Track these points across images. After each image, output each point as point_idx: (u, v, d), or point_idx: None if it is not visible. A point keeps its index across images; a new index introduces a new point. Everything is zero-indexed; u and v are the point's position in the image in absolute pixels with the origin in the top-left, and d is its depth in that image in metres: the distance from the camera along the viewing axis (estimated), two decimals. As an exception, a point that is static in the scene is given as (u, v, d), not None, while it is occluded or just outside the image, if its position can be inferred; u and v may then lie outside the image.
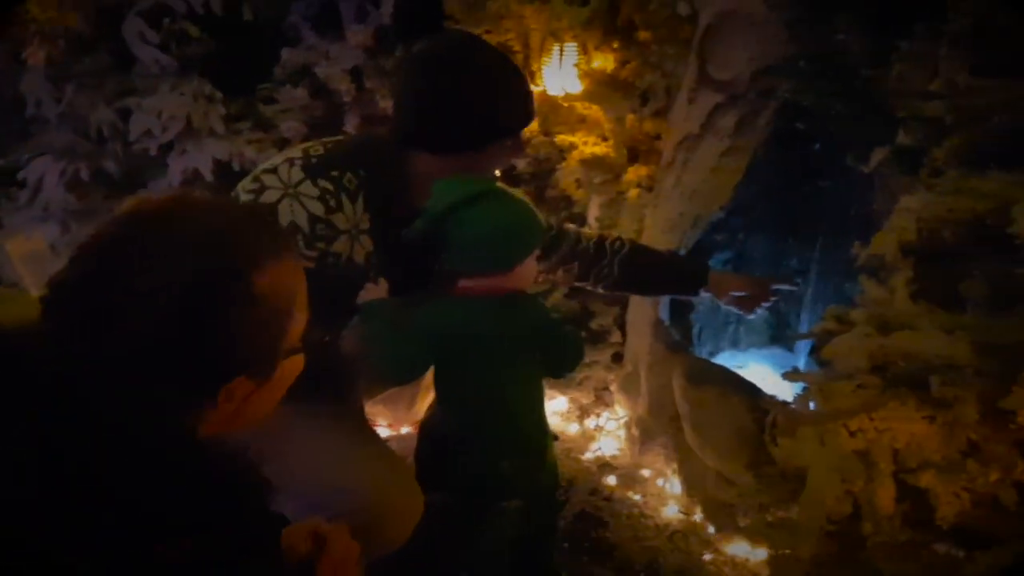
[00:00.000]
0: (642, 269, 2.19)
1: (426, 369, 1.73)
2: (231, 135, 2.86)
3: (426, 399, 2.46)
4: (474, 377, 1.68)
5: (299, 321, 1.09)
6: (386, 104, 2.92)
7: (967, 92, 1.62)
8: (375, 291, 1.68)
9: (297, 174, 1.65)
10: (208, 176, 2.81)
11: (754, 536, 2.12)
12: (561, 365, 1.78)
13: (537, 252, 1.70)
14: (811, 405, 1.71)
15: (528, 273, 1.70)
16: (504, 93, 1.73)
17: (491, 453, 1.71)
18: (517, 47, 2.91)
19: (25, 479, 0.82)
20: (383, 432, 2.51)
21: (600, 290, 2.22)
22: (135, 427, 0.89)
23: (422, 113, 1.71)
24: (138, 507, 0.85)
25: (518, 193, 1.70)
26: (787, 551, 1.68)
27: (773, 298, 2.24)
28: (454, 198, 1.58)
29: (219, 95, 2.87)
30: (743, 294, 2.22)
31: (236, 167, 2.86)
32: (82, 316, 0.92)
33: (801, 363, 2.52)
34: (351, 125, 2.98)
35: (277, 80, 3.03)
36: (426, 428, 2.19)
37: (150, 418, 0.90)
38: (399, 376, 1.78)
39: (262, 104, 3.02)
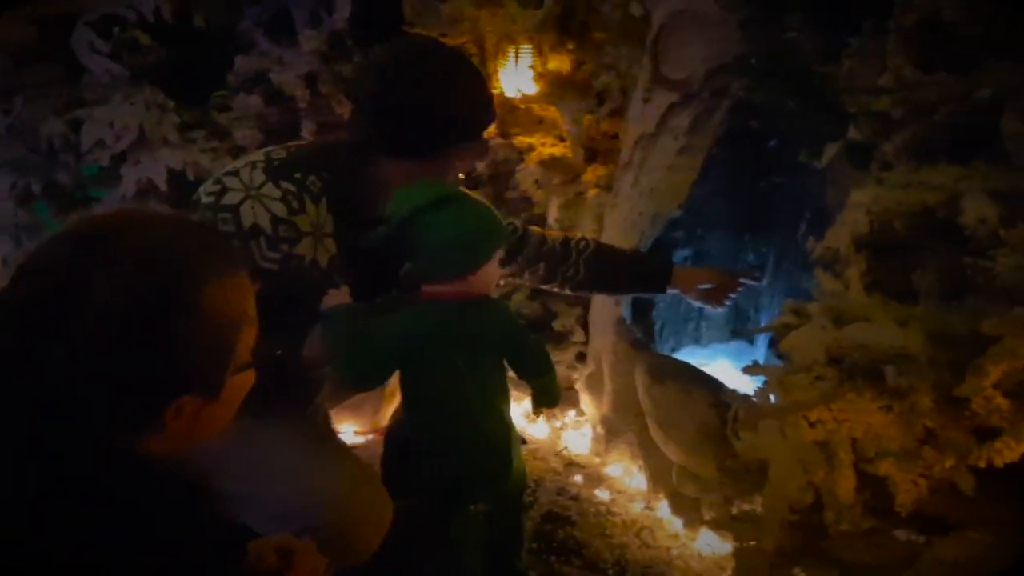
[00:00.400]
0: (608, 268, 2.19)
1: (390, 375, 1.73)
2: (185, 144, 2.82)
3: (391, 405, 2.46)
4: (439, 381, 1.67)
5: (248, 336, 1.07)
6: (342, 110, 2.91)
7: (914, 86, 1.65)
8: (337, 296, 1.67)
9: (259, 176, 1.64)
10: (163, 186, 2.77)
11: (719, 529, 2.14)
12: (525, 370, 1.78)
13: (499, 255, 1.70)
14: (771, 398, 1.73)
15: (491, 276, 1.70)
16: (465, 96, 1.72)
17: (457, 457, 1.71)
18: (473, 50, 2.92)
19: None
20: (349, 439, 2.50)
21: (567, 291, 2.23)
22: (77, 449, 0.89)
23: (382, 119, 1.70)
24: (84, 531, 0.84)
25: (477, 196, 1.70)
26: (752, 543, 1.69)
27: (739, 289, 2.25)
28: (415, 203, 1.58)
29: (172, 104, 2.83)
30: (709, 287, 2.23)
31: (191, 176, 2.82)
32: (23, 337, 0.91)
33: (761, 357, 2.55)
34: (307, 131, 2.96)
35: (231, 87, 2.99)
36: (392, 434, 2.19)
37: (93, 440, 0.90)
38: (362, 382, 1.78)
39: (216, 112, 2.98)
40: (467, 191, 1.69)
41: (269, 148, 1.77)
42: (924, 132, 1.65)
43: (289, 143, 1.81)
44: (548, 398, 1.81)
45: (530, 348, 1.77)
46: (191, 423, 1.01)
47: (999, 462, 1.33)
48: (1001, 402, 1.32)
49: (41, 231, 2.98)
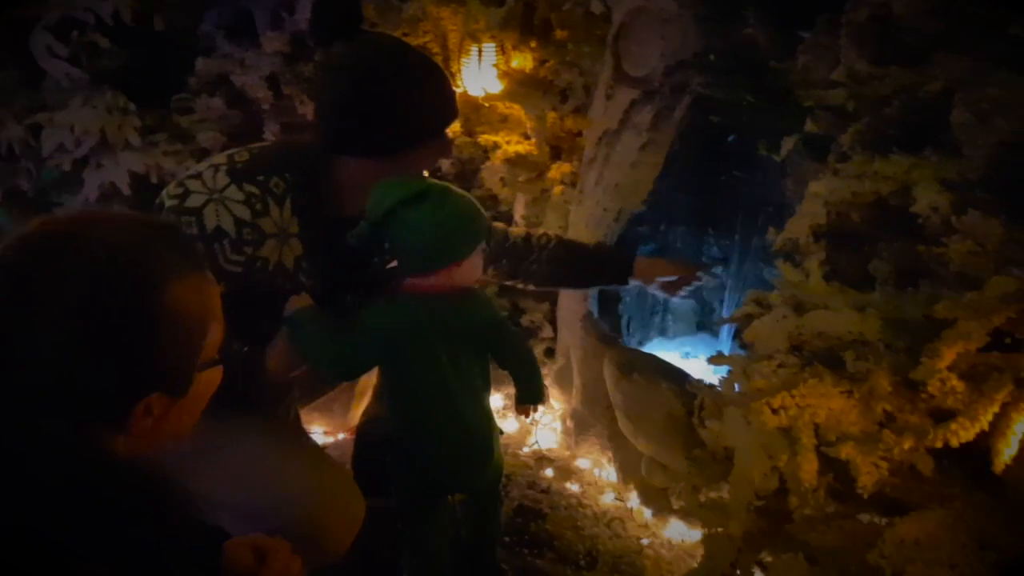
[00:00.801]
0: (570, 262, 2.21)
1: (372, 366, 1.75)
2: (147, 147, 2.79)
3: (360, 405, 2.48)
4: (421, 372, 1.68)
5: (214, 333, 1.08)
6: (305, 110, 2.90)
7: (867, 80, 1.69)
8: (299, 301, 1.67)
9: (223, 179, 1.64)
10: (125, 190, 2.75)
11: (688, 517, 2.18)
12: (507, 360, 1.80)
13: (482, 247, 1.71)
14: (736, 387, 1.77)
15: (474, 269, 1.71)
16: (427, 94, 1.73)
17: (439, 446, 1.73)
18: (436, 49, 2.93)
19: None
20: (319, 439, 2.50)
21: (531, 286, 2.25)
22: (45, 449, 0.89)
23: (345, 118, 1.70)
24: (57, 533, 0.84)
25: (458, 189, 1.71)
26: (719, 529, 1.72)
27: (698, 281, 2.28)
28: (393, 200, 1.58)
29: (133, 107, 2.81)
30: (670, 279, 2.26)
31: (154, 180, 2.80)
32: None
33: (726, 348, 2.59)
34: (270, 132, 2.95)
35: (192, 90, 2.97)
36: (364, 432, 2.21)
37: (61, 440, 0.90)
38: (343, 375, 1.83)
39: (177, 115, 2.96)
40: (445, 184, 1.69)
41: (232, 150, 1.76)
42: (877, 124, 1.69)
43: (252, 144, 1.81)
44: (532, 393, 1.83)
45: (512, 339, 1.80)
46: (159, 422, 1.02)
47: (955, 443, 1.34)
48: (956, 384, 1.34)
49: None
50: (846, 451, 1.45)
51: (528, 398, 1.83)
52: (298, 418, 2.05)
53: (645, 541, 2.24)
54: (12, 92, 2.80)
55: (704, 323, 2.81)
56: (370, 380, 2.37)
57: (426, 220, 1.59)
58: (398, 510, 1.83)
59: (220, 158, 1.73)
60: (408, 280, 1.68)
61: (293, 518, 1.59)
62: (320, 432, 2.56)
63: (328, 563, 1.69)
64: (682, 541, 2.22)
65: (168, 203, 1.62)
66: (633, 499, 2.37)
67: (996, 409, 1.32)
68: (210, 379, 1.10)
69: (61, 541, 0.83)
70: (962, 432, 1.35)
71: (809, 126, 1.92)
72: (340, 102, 1.70)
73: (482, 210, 1.72)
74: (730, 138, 2.45)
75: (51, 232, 0.98)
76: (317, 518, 1.66)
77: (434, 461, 1.74)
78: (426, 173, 1.90)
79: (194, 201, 1.60)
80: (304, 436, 1.98)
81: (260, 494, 1.65)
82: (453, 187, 1.68)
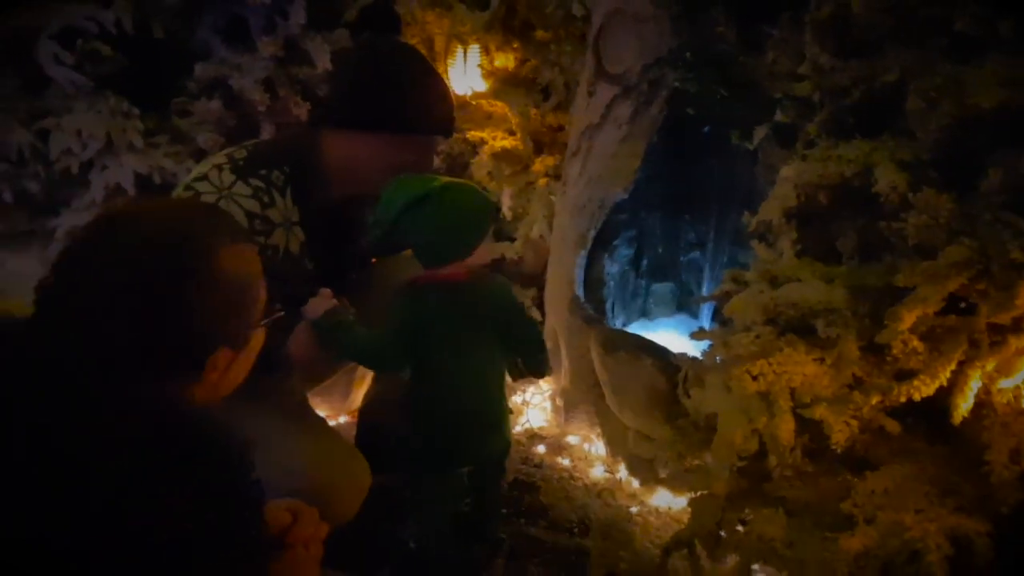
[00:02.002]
0: None
1: (404, 355, 1.83)
2: (150, 149, 2.89)
3: (360, 389, 2.58)
4: (443, 354, 1.79)
5: (262, 294, 1.23)
6: (299, 111, 3.00)
7: (830, 72, 1.82)
8: (319, 303, 1.78)
9: (228, 177, 1.74)
10: (131, 190, 2.84)
11: (674, 484, 2.29)
12: (520, 341, 1.90)
13: (490, 231, 1.83)
14: (717, 360, 1.89)
15: (484, 253, 1.82)
16: (418, 88, 1.85)
17: (455, 421, 1.84)
18: (423, 51, 3.04)
19: (41, 449, 0.92)
20: (321, 423, 2.59)
21: None
22: (137, 402, 1.01)
23: (337, 89, 1.83)
24: (143, 469, 0.95)
25: (461, 181, 1.79)
26: (704, 491, 1.83)
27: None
28: (402, 200, 1.68)
29: (136, 111, 2.91)
30: None
31: (157, 180, 2.90)
32: (73, 310, 1.04)
33: (706, 326, 2.72)
34: (267, 133, 3.04)
35: (191, 93, 3.07)
36: (365, 413, 2.32)
37: (151, 391, 1.03)
38: (379, 364, 1.93)
39: (177, 118, 3.06)
40: (453, 180, 1.77)
41: (229, 150, 1.86)
42: (839, 112, 1.82)
43: (246, 143, 1.91)
44: (534, 370, 1.95)
45: (525, 324, 1.91)
46: (223, 374, 1.16)
47: (917, 397, 1.47)
48: (917, 345, 1.47)
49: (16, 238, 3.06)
50: (820, 412, 1.57)
51: (530, 373, 1.95)
52: (305, 398, 2.15)
53: (634, 509, 2.36)
54: (18, 99, 2.89)
55: (683, 304, 2.94)
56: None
57: (434, 218, 1.69)
58: (409, 480, 1.94)
59: (219, 158, 1.82)
60: (425, 271, 1.79)
61: (302, 486, 1.66)
62: (322, 416, 2.65)
63: (335, 529, 1.79)
64: (668, 508, 2.34)
65: None
66: (621, 471, 2.48)
67: (953, 367, 1.45)
68: (259, 336, 1.25)
69: (146, 482, 0.94)
70: (923, 388, 1.47)
71: (778, 116, 2.05)
72: (351, 75, 1.84)
73: (486, 198, 1.82)
74: (705, 129, 2.57)
75: (116, 215, 1.12)
76: (325, 486, 1.74)
77: (450, 434, 1.85)
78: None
79: (207, 200, 1.69)
80: (311, 411, 2.08)
81: (271, 463, 1.75)
82: (459, 181, 1.78)
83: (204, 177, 1.75)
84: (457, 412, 1.84)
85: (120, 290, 1.04)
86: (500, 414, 1.90)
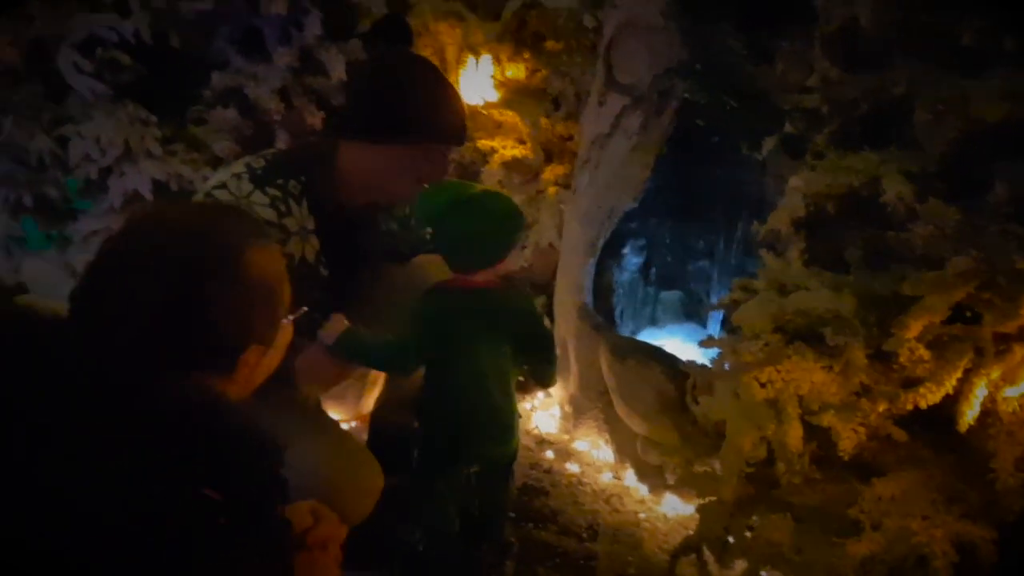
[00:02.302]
0: None
1: (427, 356, 1.86)
2: (167, 156, 2.94)
3: (373, 392, 2.60)
4: (459, 357, 1.82)
5: (288, 293, 1.26)
6: (314, 120, 3.04)
7: (838, 85, 1.85)
8: (334, 325, 1.82)
9: (247, 186, 1.78)
10: (148, 196, 2.89)
11: (682, 490, 2.31)
12: (532, 355, 1.92)
13: (520, 244, 1.85)
14: (725, 367, 1.91)
15: (510, 264, 1.84)
16: (440, 103, 1.87)
17: (466, 422, 1.87)
18: (435, 61, 3.08)
19: (82, 439, 0.96)
20: (334, 427, 2.62)
21: None
22: (173, 397, 1.04)
23: (351, 100, 1.87)
24: (179, 464, 0.98)
25: (496, 191, 1.84)
26: (712, 497, 1.85)
27: None
28: (436, 205, 1.73)
29: (153, 119, 2.95)
30: None
31: (174, 187, 2.95)
32: (111, 309, 1.08)
33: (714, 335, 2.74)
34: (281, 141, 3.08)
35: (207, 102, 3.12)
36: (377, 418, 2.34)
37: (182, 387, 1.06)
38: (404, 366, 1.93)
39: (194, 126, 3.11)
40: (487, 188, 1.81)
41: (247, 158, 1.90)
42: (848, 124, 1.86)
43: (264, 152, 1.95)
44: (541, 378, 1.99)
45: (540, 335, 1.92)
46: (253, 369, 1.20)
47: (923, 404, 1.50)
48: (923, 353, 1.49)
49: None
50: (827, 419, 1.60)
51: (536, 383, 1.97)
52: (319, 402, 2.18)
53: (642, 515, 2.37)
54: (39, 106, 2.94)
55: (692, 312, 2.96)
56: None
57: (463, 226, 1.74)
58: (416, 479, 1.97)
59: (238, 167, 1.85)
60: (453, 275, 1.82)
61: (318, 487, 1.69)
62: (335, 419, 2.67)
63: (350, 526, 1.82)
64: (676, 514, 2.36)
65: None
66: (630, 477, 2.50)
67: (959, 375, 1.47)
68: (286, 332, 1.28)
69: (180, 472, 0.97)
70: (929, 395, 1.50)
71: (787, 127, 2.08)
72: (366, 87, 1.88)
73: (517, 209, 1.84)
74: (714, 139, 2.60)
75: (152, 219, 1.17)
76: (339, 487, 1.76)
77: (456, 434, 1.87)
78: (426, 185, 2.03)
79: None
80: (325, 415, 2.12)
81: (288, 465, 1.78)
82: (492, 190, 1.82)
83: (223, 185, 1.78)
84: (464, 413, 1.87)
85: (155, 289, 1.07)
86: (508, 418, 1.92)
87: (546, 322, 1.95)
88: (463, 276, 1.81)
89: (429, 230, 1.78)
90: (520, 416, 2.00)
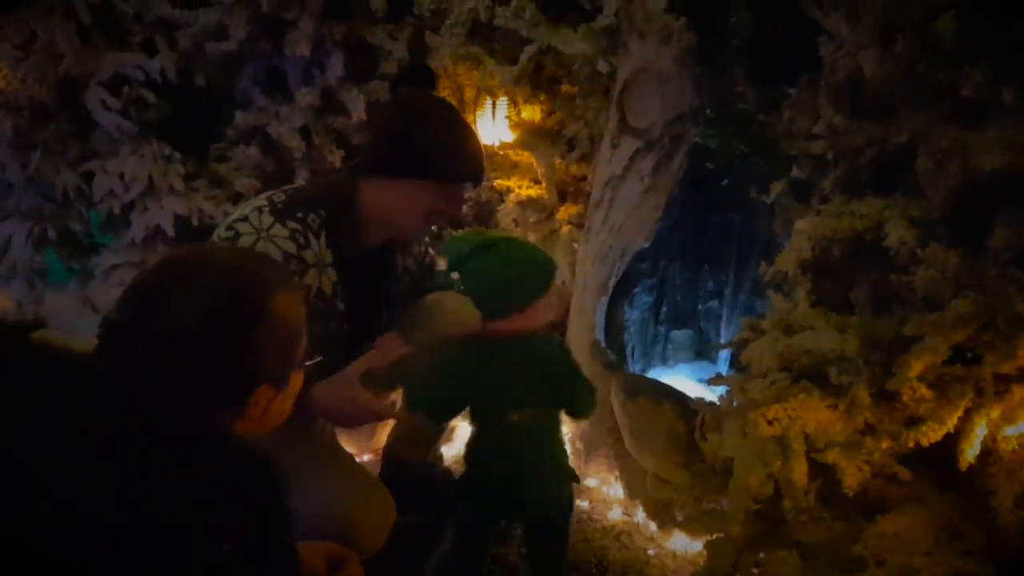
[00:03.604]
0: None
1: (461, 408, 1.90)
2: (189, 192, 3.02)
3: (386, 427, 2.64)
4: (491, 412, 1.86)
5: (304, 340, 1.30)
6: (334, 158, 3.11)
7: (844, 133, 1.90)
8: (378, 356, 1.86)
9: (267, 219, 1.82)
10: (170, 231, 2.97)
11: (691, 527, 2.31)
12: (573, 405, 1.93)
13: (549, 293, 1.87)
14: (734, 403, 1.94)
15: (536, 316, 1.87)
16: (445, 137, 1.92)
17: (495, 477, 1.90)
18: (453, 101, 3.16)
19: (94, 473, 0.98)
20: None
21: None
22: (186, 429, 1.08)
23: (369, 138, 1.93)
24: (187, 489, 1.02)
25: (525, 241, 1.87)
26: (720, 534, 1.88)
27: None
28: (463, 250, 1.77)
29: (177, 155, 3.03)
30: None
31: (195, 222, 3.02)
32: (130, 348, 1.13)
33: (723, 373, 2.76)
34: (302, 179, 3.16)
35: (229, 140, 3.20)
36: (390, 453, 2.38)
37: (196, 421, 1.10)
38: (446, 416, 1.99)
39: (216, 163, 3.19)
40: (516, 238, 1.85)
41: (268, 193, 1.95)
42: (853, 170, 1.90)
43: (285, 187, 2.00)
44: (578, 416, 2.00)
45: (576, 389, 1.90)
46: (264, 411, 1.24)
47: (925, 442, 1.53)
48: (925, 392, 1.53)
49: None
50: (833, 456, 1.62)
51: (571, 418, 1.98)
52: (334, 435, 2.22)
53: (651, 552, 2.39)
54: (67, 142, 3.03)
55: (702, 351, 3.00)
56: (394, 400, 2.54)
57: (488, 271, 1.78)
58: (457, 527, 1.99)
59: (260, 200, 1.90)
60: (485, 324, 1.86)
61: (331, 518, 1.75)
62: (349, 452, 2.71)
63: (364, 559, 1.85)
64: (685, 552, 2.37)
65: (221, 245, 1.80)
66: (639, 514, 2.52)
67: (960, 414, 1.51)
68: (299, 378, 1.32)
69: (185, 499, 1.01)
70: (931, 434, 1.53)
71: (795, 172, 2.13)
72: (385, 124, 1.93)
73: (547, 258, 1.87)
74: (724, 183, 2.65)
75: (179, 259, 1.22)
76: (353, 520, 1.81)
77: (491, 485, 1.91)
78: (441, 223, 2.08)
79: (245, 241, 1.77)
80: (340, 448, 2.14)
81: (302, 496, 1.80)
82: (522, 240, 1.84)
83: (245, 219, 1.83)
84: (500, 465, 1.90)
85: (185, 328, 1.13)
86: (546, 471, 1.92)
87: (581, 367, 1.94)
88: (491, 324, 1.84)
89: (455, 275, 1.80)
90: (578, 480, 2.00)
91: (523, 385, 1.84)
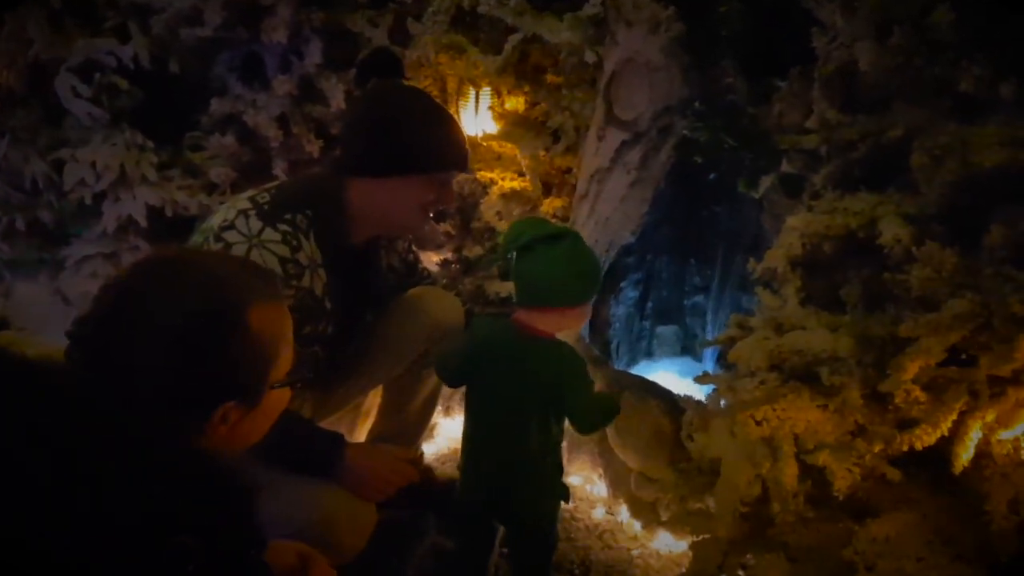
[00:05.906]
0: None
1: (462, 375, 1.90)
2: (163, 182, 2.95)
3: (366, 424, 2.59)
4: (480, 399, 1.85)
5: (286, 356, 1.23)
6: (312, 148, 3.05)
7: (836, 127, 1.87)
8: None
9: (256, 224, 1.76)
10: (142, 222, 2.90)
11: (676, 527, 2.29)
12: (573, 419, 1.85)
13: (590, 303, 1.82)
14: (721, 403, 1.91)
15: (577, 319, 1.84)
16: (439, 132, 1.90)
17: (480, 473, 1.88)
18: (435, 92, 3.11)
19: (49, 483, 0.94)
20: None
21: None
22: (146, 439, 1.03)
23: (350, 137, 1.89)
24: (148, 505, 0.97)
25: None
26: (706, 535, 1.85)
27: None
28: (531, 234, 1.70)
29: (150, 144, 2.96)
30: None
31: (168, 213, 2.96)
32: (101, 349, 1.08)
33: (710, 370, 2.74)
34: (279, 169, 3.10)
35: (205, 128, 3.13)
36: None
37: (156, 431, 1.05)
38: (447, 379, 1.99)
39: (190, 152, 3.12)
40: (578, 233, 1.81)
41: (251, 192, 1.89)
42: (846, 165, 1.87)
43: (266, 185, 1.94)
44: (584, 430, 1.93)
45: (576, 403, 1.82)
46: (232, 429, 1.17)
47: (919, 446, 1.50)
48: (919, 395, 1.50)
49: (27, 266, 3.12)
50: (823, 458, 1.59)
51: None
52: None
53: (635, 552, 2.36)
54: (37, 130, 2.95)
55: (687, 347, 2.97)
56: (375, 400, 2.49)
57: (559, 258, 1.70)
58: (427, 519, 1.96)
59: (243, 202, 1.83)
60: (519, 312, 1.80)
61: (311, 521, 1.71)
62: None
63: (340, 565, 1.80)
64: (670, 552, 2.34)
65: None
66: (623, 513, 2.48)
67: (954, 417, 1.48)
68: (280, 398, 1.25)
69: (151, 512, 0.96)
70: (925, 437, 1.50)
71: (785, 166, 2.10)
72: (366, 123, 1.88)
73: (601, 266, 1.86)
74: (711, 176, 2.62)
75: (156, 261, 1.17)
76: (332, 523, 1.77)
77: (474, 486, 1.90)
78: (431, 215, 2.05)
79: (237, 251, 1.71)
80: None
81: (279, 500, 1.76)
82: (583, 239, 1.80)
83: (231, 226, 1.76)
84: (478, 461, 1.89)
85: (161, 338, 1.07)
86: (531, 486, 1.88)
87: (589, 384, 1.88)
88: (522, 314, 1.79)
89: (512, 255, 1.74)
90: (568, 500, 1.98)
91: (518, 384, 1.80)
